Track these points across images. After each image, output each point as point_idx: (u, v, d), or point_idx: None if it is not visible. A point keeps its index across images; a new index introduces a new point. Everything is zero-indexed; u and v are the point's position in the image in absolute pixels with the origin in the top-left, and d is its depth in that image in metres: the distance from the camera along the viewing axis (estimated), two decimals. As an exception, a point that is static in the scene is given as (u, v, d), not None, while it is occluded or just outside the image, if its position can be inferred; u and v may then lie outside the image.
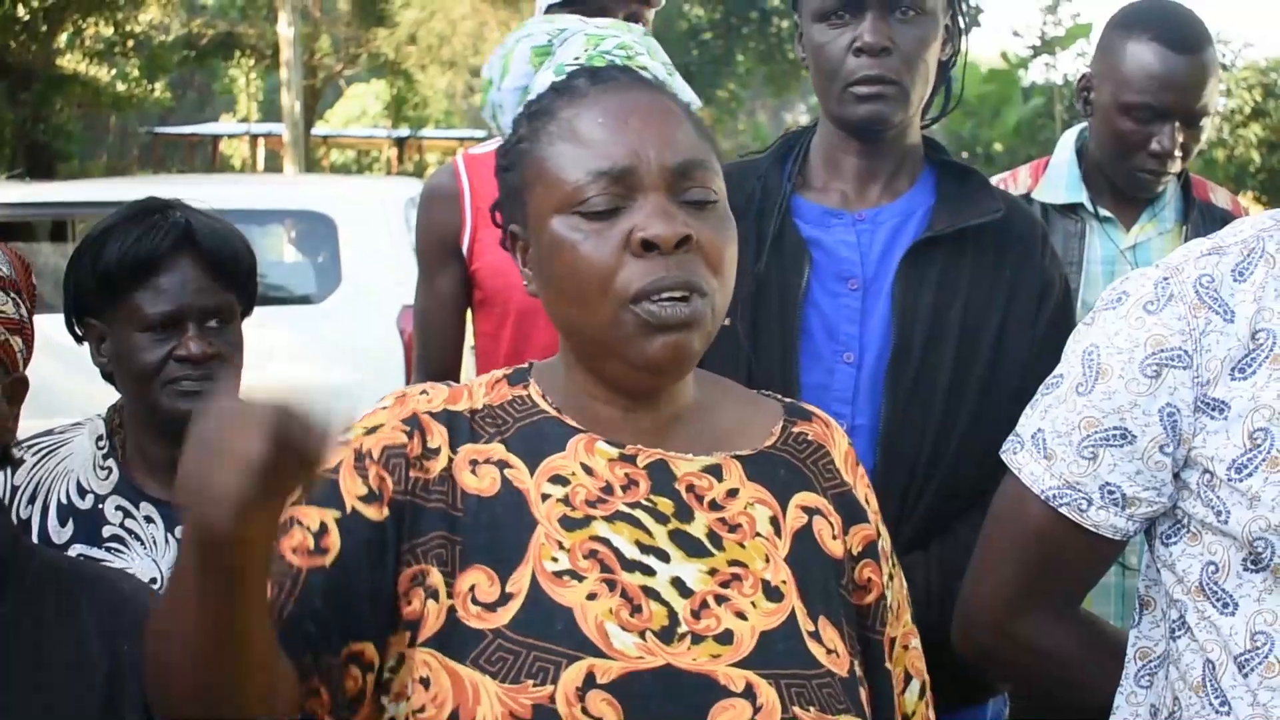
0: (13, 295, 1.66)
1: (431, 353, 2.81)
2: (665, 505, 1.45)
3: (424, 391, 1.49)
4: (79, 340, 2.17)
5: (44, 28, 19.98)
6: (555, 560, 1.39)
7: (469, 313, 2.84)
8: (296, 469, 1.16)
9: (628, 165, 1.42)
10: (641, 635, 1.37)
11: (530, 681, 1.32)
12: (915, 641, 1.60)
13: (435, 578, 1.39)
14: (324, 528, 1.38)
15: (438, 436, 1.45)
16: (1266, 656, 1.52)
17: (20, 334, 1.67)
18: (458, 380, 2.74)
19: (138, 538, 2.08)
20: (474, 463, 1.44)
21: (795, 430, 1.57)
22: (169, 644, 1.27)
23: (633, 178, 1.41)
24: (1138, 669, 1.67)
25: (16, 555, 1.67)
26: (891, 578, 1.57)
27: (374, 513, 1.39)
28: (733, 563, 1.44)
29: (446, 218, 2.75)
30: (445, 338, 2.81)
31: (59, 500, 2.08)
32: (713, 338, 1.47)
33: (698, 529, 1.45)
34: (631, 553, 1.42)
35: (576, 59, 1.51)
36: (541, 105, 1.51)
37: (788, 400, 1.63)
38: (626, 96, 1.47)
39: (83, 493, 2.09)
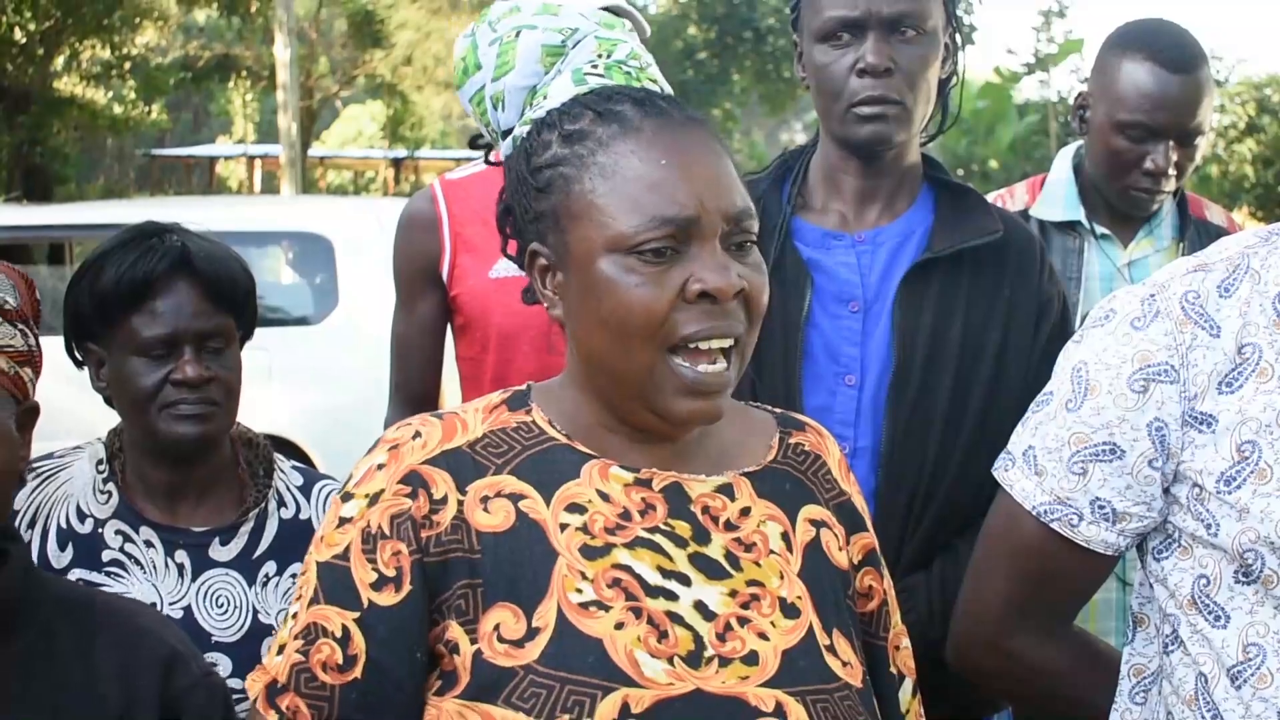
0: (20, 327, 1.64)
1: (409, 378, 2.80)
2: (683, 529, 1.45)
3: (416, 435, 1.46)
4: (79, 365, 2.17)
5: (41, 51, 20.02)
6: (580, 591, 1.39)
7: (447, 338, 2.82)
8: None
9: (694, 215, 1.40)
10: (670, 661, 1.37)
11: (566, 716, 1.33)
12: (905, 641, 1.62)
13: (454, 631, 1.39)
14: (346, 633, 1.38)
15: (441, 485, 1.43)
16: (1259, 668, 1.53)
17: (30, 364, 1.65)
18: (436, 404, 2.75)
19: (137, 562, 2.08)
20: (485, 499, 1.43)
21: (792, 441, 1.59)
22: None
23: (695, 226, 1.40)
24: (1132, 685, 1.68)
25: (30, 589, 1.65)
26: (883, 580, 1.60)
27: (389, 598, 1.39)
28: (751, 583, 1.45)
29: (425, 244, 2.73)
30: (423, 363, 2.79)
31: (59, 524, 2.08)
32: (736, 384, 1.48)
33: (715, 550, 1.46)
34: (654, 579, 1.42)
35: (594, 66, 1.49)
36: (582, 129, 1.46)
37: (777, 411, 1.64)
38: (682, 136, 1.44)
39: (82, 517, 2.09)
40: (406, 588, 1.39)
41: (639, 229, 1.39)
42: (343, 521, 1.43)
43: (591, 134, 1.45)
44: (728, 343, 1.41)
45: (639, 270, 1.39)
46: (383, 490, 1.42)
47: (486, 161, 2.69)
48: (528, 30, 1.89)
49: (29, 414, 1.65)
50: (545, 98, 1.83)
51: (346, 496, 1.44)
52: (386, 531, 1.40)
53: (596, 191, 1.42)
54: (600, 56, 1.54)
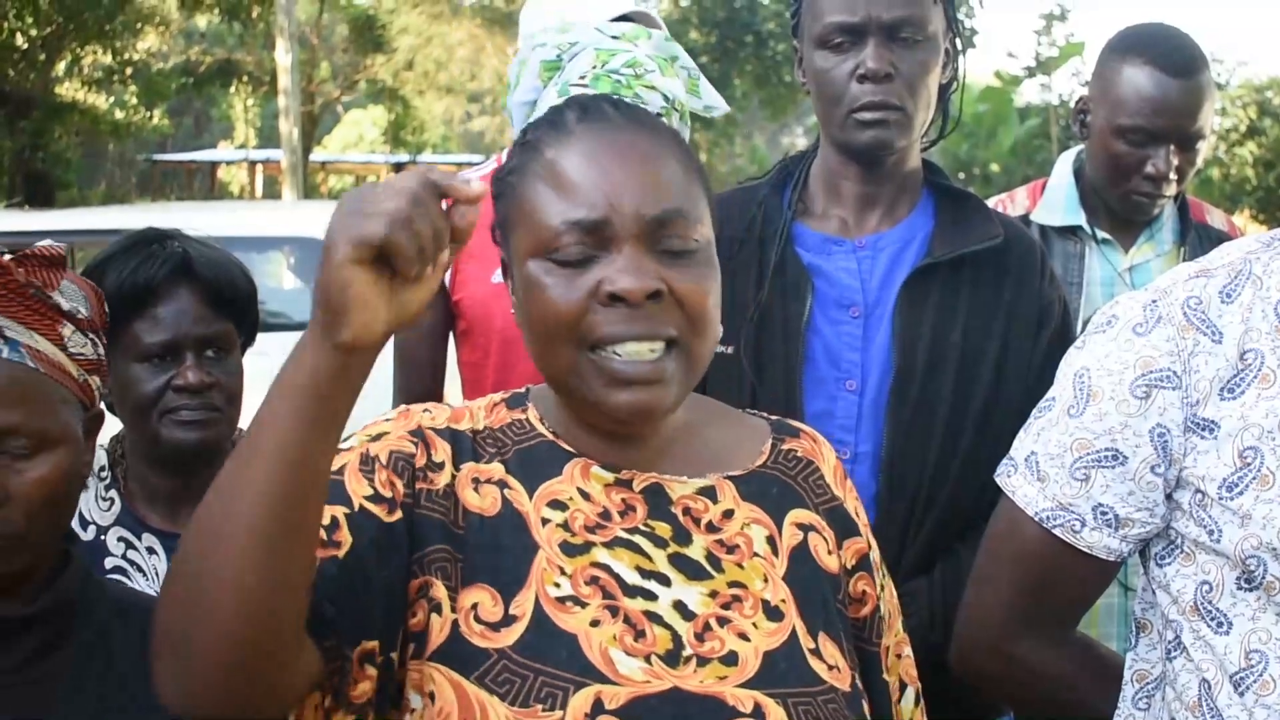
0: (91, 336, 1.69)
1: (412, 382, 2.80)
2: (663, 529, 1.46)
3: (427, 410, 1.50)
4: (81, 371, 2.17)
5: (42, 56, 20.06)
6: (558, 585, 1.40)
7: (449, 342, 2.83)
8: (426, 247, 1.18)
9: (602, 217, 1.39)
10: (647, 660, 1.37)
11: (539, 706, 1.33)
12: (907, 650, 1.62)
13: (439, 590, 1.38)
14: (335, 522, 1.36)
15: (441, 451, 1.45)
16: (1261, 674, 1.53)
17: (98, 372, 1.70)
18: None
19: (139, 569, 2.08)
20: (476, 481, 1.45)
21: (784, 447, 1.59)
22: (216, 548, 1.20)
23: (607, 229, 1.39)
24: (1135, 691, 1.68)
25: (87, 593, 1.69)
26: (883, 588, 1.59)
27: (382, 513, 1.38)
28: (732, 584, 1.45)
29: None
30: (426, 368, 2.80)
31: (61, 531, 2.08)
32: (692, 386, 1.46)
33: (696, 552, 1.46)
34: (632, 578, 1.42)
35: (583, 77, 1.49)
36: (531, 137, 1.49)
37: (774, 418, 1.64)
38: (611, 137, 1.44)
39: (85, 524, 2.09)
40: (397, 515, 1.38)
41: (553, 232, 1.41)
42: (340, 452, 1.41)
43: (535, 142, 1.47)
44: (649, 346, 1.40)
45: (555, 273, 1.41)
46: (388, 433, 1.44)
47: None
48: (538, 48, 1.89)
49: (95, 420, 1.70)
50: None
51: (346, 440, 1.44)
52: (385, 462, 1.40)
53: (525, 197, 1.44)
54: (594, 68, 1.54)
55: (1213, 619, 1.56)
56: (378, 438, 1.44)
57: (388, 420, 1.47)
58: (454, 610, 1.37)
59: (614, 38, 1.77)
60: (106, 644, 1.66)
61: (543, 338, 1.42)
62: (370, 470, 1.40)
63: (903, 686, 1.60)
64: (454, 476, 1.44)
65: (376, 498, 1.38)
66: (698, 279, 1.42)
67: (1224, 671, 1.55)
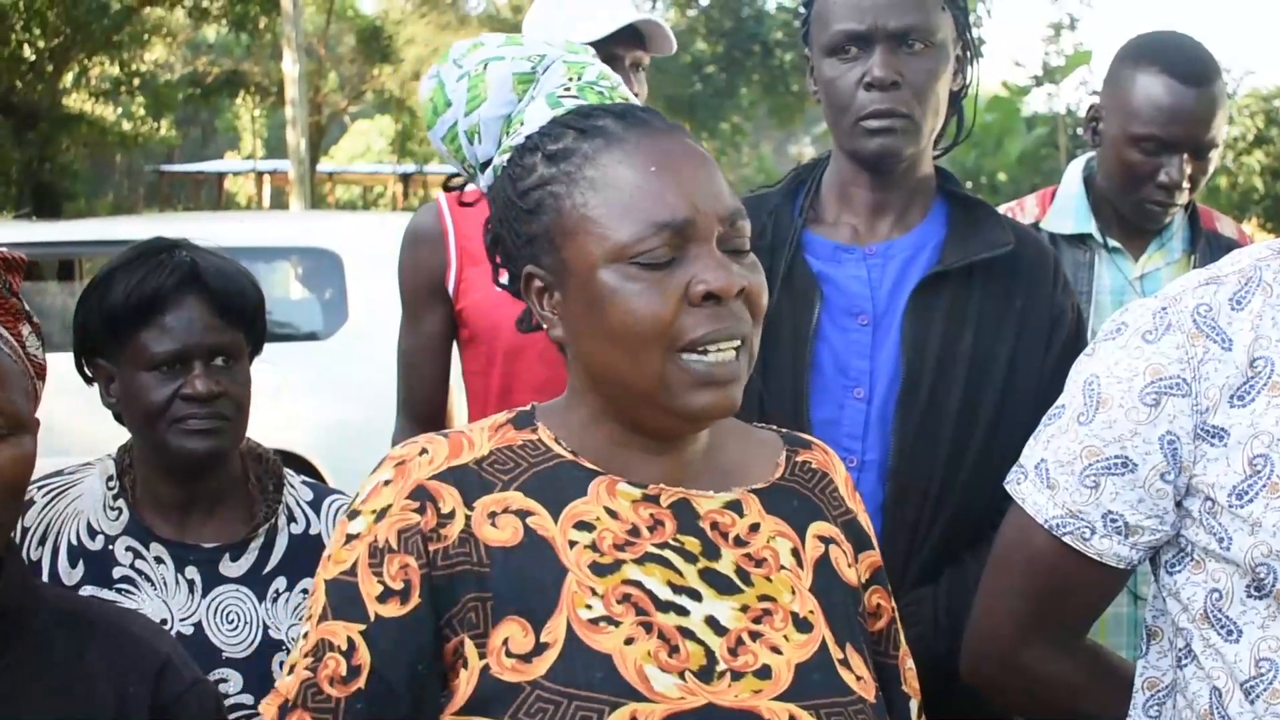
0: (40, 341, 1.70)
1: (416, 393, 2.80)
2: (692, 544, 1.45)
3: (423, 452, 1.46)
4: (88, 381, 2.17)
5: (50, 68, 20.13)
6: (589, 607, 1.39)
7: (453, 352, 2.83)
8: None
9: (688, 217, 1.40)
10: (681, 676, 1.37)
11: None
12: (910, 662, 1.62)
13: (468, 646, 1.38)
14: (351, 644, 1.38)
15: (449, 499, 1.42)
16: (1272, 683, 1.53)
17: (40, 377, 1.71)
18: (443, 420, 2.75)
19: (148, 579, 2.08)
20: (493, 514, 1.43)
21: (799, 460, 1.59)
22: None
23: (692, 229, 1.40)
24: (1146, 699, 1.68)
25: (25, 601, 1.68)
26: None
27: (395, 609, 1.38)
28: (762, 598, 1.45)
29: (431, 258, 2.74)
30: (430, 378, 2.79)
31: (69, 541, 2.07)
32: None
33: (726, 566, 1.46)
34: (664, 594, 1.41)
35: (566, 89, 1.50)
36: (566, 148, 1.47)
37: (783, 430, 1.64)
38: (666, 142, 1.45)
39: (93, 534, 2.09)
40: (414, 600, 1.38)
41: (636, 236, 1.40)
42: (350, 538, 1.42)
43: (576, 150, 1.46)
44: (732, 345, 1.41)
45: (640, 278, 1.40)
46: (390, 505, 1.42)
47: (461, 204, 2.70)
48: (495, 62, 1.91)
49: (37, 425, 1.69)
50: (522, 124, 1.84)
51: (353, 514, 1.44)
52: (394, 546, 1.40)
53: (589, 205, 1.43)
54: (571, 79, 1.55)
55: (1223, 627, 1.56)
56: (381, 515, 1.42)
57: (385, 483, 1.44)
58: (482, 656, 1.37)
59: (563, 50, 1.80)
60: (47, 650, 1.65)
61: (630, 345, 1.41)
62: (379, 564, 1.39)
63: (906, 697, 1.60)
64: (468, 518, 1.41)
65: (387, 594, 1.38)
66: (758, 274, 1.45)
67: (1234, 680, 1.55)
